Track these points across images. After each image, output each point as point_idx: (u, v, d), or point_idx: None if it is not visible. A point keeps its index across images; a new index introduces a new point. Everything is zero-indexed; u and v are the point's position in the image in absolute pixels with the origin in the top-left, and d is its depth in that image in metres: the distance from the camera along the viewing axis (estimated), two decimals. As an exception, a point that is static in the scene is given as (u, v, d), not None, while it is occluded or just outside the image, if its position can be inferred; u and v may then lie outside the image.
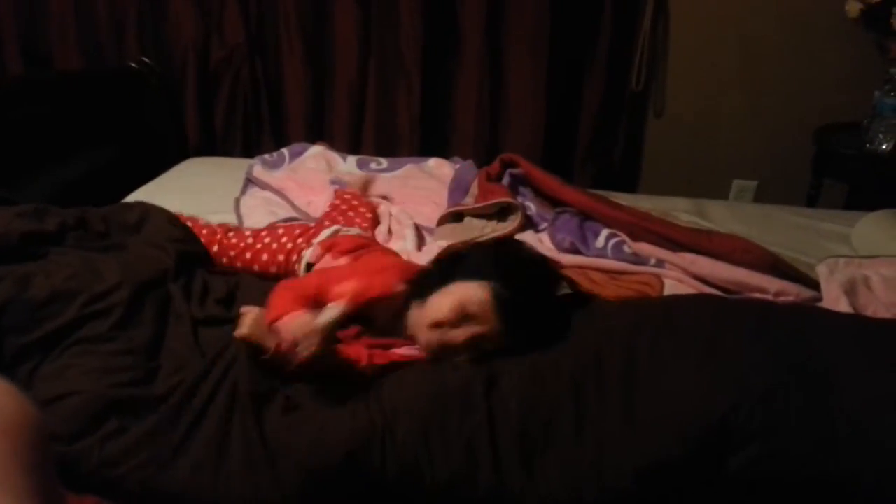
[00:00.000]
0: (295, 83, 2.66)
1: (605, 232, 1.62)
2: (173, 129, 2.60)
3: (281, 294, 1.15)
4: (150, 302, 1.17)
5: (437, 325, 1.13)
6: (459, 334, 1.12)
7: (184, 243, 1.38)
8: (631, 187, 2.60)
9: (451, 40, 2.51)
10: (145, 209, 1.42)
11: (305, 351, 1.03)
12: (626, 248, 1.56)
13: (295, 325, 1.06)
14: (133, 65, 2.47)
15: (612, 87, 2.51)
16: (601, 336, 1.14)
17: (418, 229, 1.77)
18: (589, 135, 2.54)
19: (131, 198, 1.96)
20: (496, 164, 1.88)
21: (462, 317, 1.11)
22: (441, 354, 1.13)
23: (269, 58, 2.66)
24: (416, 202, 1.96)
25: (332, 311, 1.06)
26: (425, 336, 1.14)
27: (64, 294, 1.11)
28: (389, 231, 1.78)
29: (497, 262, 1.18)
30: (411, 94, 2.57)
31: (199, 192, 2.02)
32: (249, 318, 1.08)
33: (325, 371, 1.09)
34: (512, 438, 1.04)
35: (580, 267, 1.52)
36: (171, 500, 0.99)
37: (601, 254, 1.56)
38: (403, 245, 1.69)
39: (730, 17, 2.45)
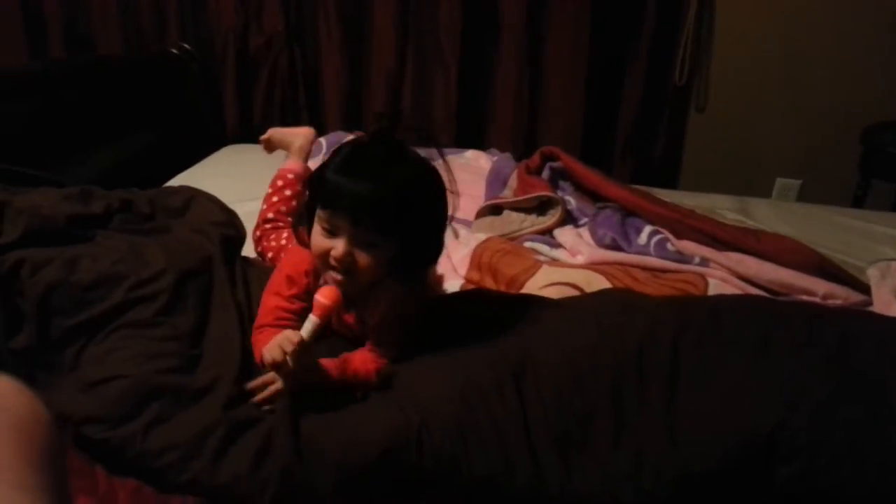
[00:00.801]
0: (332, 71, 2.66)
1: (647, 229, 1.59)
2: (212, 116, 2.62)
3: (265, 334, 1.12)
4: (194, 289, 1.17)
5: (321, 256, 1.07)
6: (338, 253, 1.03)
7: (226, 227, 1.38)
8: (671, 183, 2.56)
9: (490, 30, 2.49)
10: (191, 193, 1.43)
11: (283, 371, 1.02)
12: (669, 246, 1.53)
13: (272, 347, 1.02)
14: (174, 51, 2.48)
15: (654, 80, 2.47)
16: (643, 334, 1.11)
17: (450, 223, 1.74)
18: (629, 129, 2.51)
19: (171, 183, 1.98)
20: (536, 158, 1.86)
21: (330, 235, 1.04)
22: (350, 282, 1.07)
23: (307, 45, 2.67)
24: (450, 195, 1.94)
25: (305, 329, 1.03)
26: (322, 270, 1.09)
27: (110, 278, 1.12)
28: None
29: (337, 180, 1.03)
30: (448, 85, 2.56)
31: (236, 179, 2.03)
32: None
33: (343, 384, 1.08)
34: (548, 435, 1.03)
35: (621, 264, 1.49)
36: (212, 495, 0.98)
37: (643, 251, 1.53)
38: (439, 235, 1.67)
39: (777, 10, 2.40)
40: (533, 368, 1.08)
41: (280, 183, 1.54)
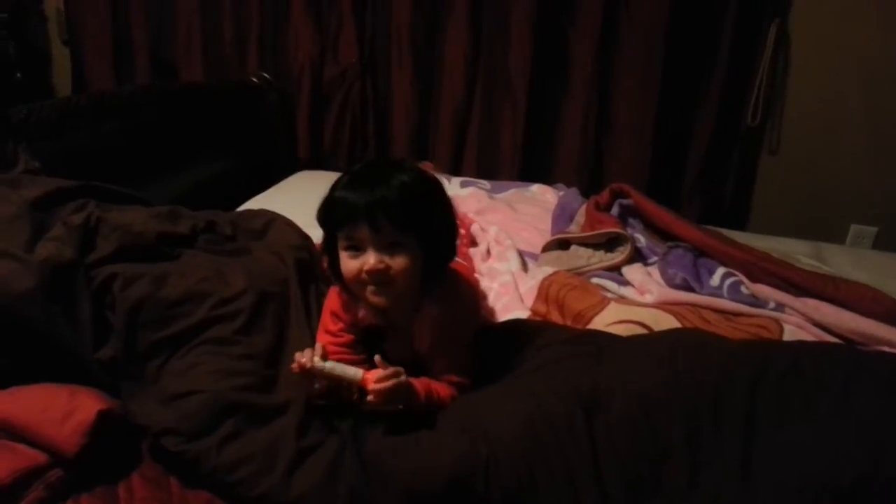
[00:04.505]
0: (402, 103, 2.70)
1: (720, 270, 1.56)
2: (286, 142, 2.69)
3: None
4: (271, 310, 1.21)
5: (354, 278, 1.09)
6: (369, 263, 1.06)
7: (300, 251, 1.41)
8: (739, 226, 2.50)
9: (559, 65, 2.50)
10: (271, 217, 1.47)
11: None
12: (743, 289, 1.50)
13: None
14: (253, 79, 2.58)
15: (726, 120, 2.43)
16: (719, 374, 1.09)
17: (520, 255, 1.75)
18: (698, 168, 2.47)
19: (245, 206, 2.04)
20: (606, 194, 1.85)
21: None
22: (388, 293, 1.09)
23: (379, 77, 2.72)
24: (518, 227, 1.95)
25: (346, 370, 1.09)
26: (360, 293, 1.12)
27: (195, 295, 1.16)
28: (488, 251, 1.77)
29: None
30: (516, 119, 2.57)
31: (306, 204, 2.07)
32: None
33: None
34: (619, 475, 1.01)
35: (692, 305, 1.46)
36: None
37: (716, 293, 1.50)
38: (508, 266, 1.67)
39: (855, 51, 2.34)
40: (605, 404, 1.06)
41: None
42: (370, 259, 1.07)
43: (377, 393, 1.05)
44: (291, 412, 1.08)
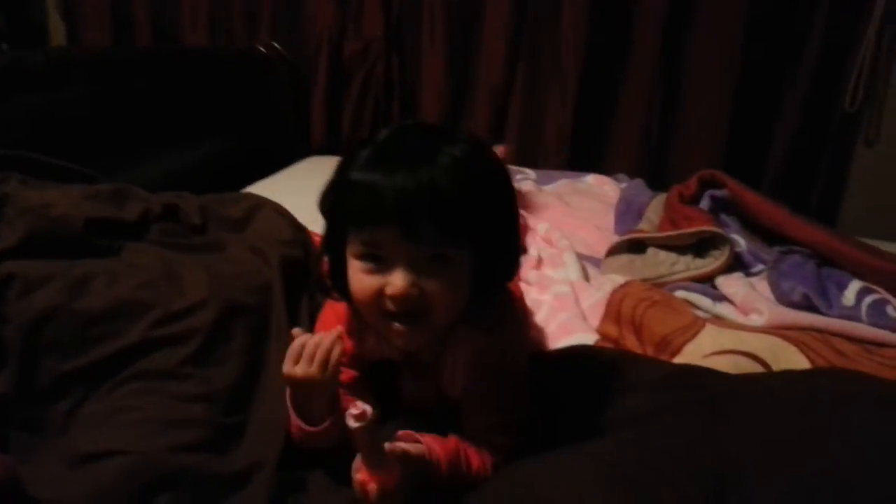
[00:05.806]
0: (432, 84, 2.38)
1: (855, 285, 1.17)
2: (297, 123, 2.37)
3: None
4: (242, 330, 0.85)
5: (370, 302, 0.73)
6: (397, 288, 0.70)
7: (291, 247, 1.06)
8: (828, 225, 2.11)
9: (618, 32, 2.14)
10: (256, 202, 1.11)
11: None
12: (889, 311, 1.11)
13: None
14: (261, 48, 2.25)
15: (818, 104, 2.05)
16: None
17: (579, 259, 1.39)
18: (783, 159, 2.09)
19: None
20: (692, 183, 1.48)
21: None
22: (421, 330, 0.73)
23: (406, 54, 2.40)
24: (573, 225, 1.59)
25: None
26: (376, 322, 0.76)
27: (128, 308, 0.81)
28: (539, 257, 1.42)
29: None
30: (564, 102, 2.21)
31: (317, 194, 1.75)
32: None
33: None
34: None
35: (818, 330, 1.09)
36: None
37: (850, 314, 1.12)
38: (564, 273, 1.32)
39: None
40: (737, 488, 0.69)
41: None
42: (398, 280, 0.70)
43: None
44: (258, 483, 0.73)
